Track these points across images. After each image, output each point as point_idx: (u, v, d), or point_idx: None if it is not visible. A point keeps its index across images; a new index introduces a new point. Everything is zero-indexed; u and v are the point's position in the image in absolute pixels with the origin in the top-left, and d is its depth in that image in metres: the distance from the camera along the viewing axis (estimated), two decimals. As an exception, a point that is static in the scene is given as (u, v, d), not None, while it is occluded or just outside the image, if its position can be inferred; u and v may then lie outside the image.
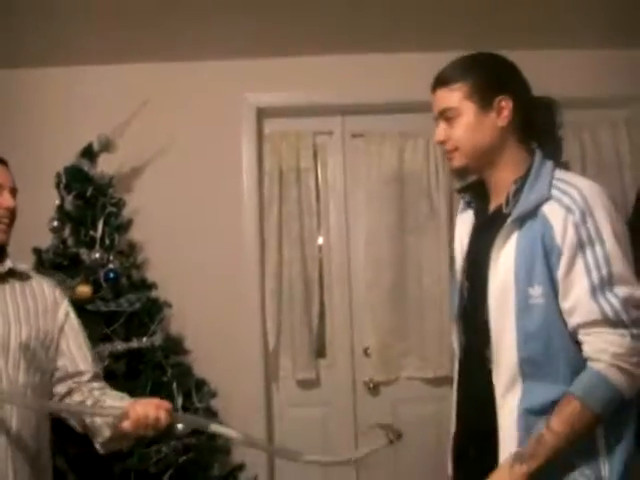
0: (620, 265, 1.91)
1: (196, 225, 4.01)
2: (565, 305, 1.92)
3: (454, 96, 2.12)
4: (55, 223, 3.59)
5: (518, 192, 2.05)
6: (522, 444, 1.92)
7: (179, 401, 3.42)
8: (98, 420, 2.32)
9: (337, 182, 4.22)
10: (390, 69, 4.04)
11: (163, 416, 2.20)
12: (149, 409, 2.21)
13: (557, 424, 1.86)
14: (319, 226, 4.23)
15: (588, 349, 1.89)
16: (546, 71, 3.47)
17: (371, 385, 4.09)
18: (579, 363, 1.91)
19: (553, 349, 1.94)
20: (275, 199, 4.13)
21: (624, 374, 1.85)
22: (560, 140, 2.23)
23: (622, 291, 1.88)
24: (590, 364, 1.88)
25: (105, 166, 3.73)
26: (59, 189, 3.62)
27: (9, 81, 4.03)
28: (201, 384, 3.63)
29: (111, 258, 3.54)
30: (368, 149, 4.16)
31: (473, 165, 2.14)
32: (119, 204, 3.70)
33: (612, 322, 1.87)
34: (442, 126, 2.15)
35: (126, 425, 2.21)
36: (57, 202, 3.61)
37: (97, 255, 3.49)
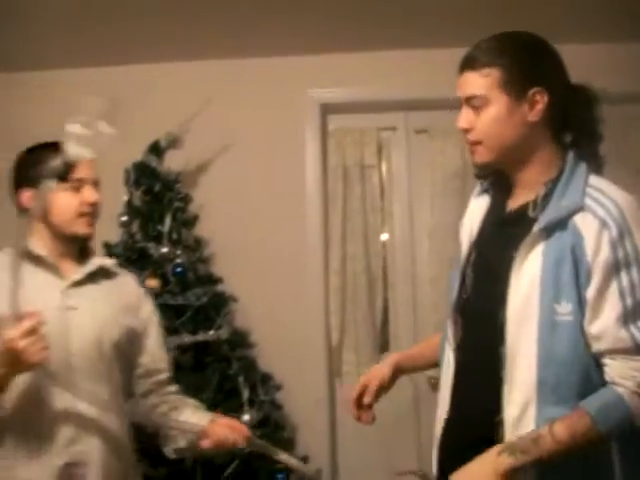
0: None
1: (261, 221, 4.04)
2: (592, 329, 1.76)
3: (484, 83, 1.89)
4: (124, 218, 3.67)
5: (548, 196, 1.86)
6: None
7: (245, 394, 3.47)
8: (176, 430, 2.40)
9: (401, 178, 4.21)
10: (454, 64, 4.02)
11: (240, 441, 2.32)
12: (227, 432, 2.33)
13: (561, 431, 1.71)
14: (383, 222, 4.23)
15: (613, 373, 1.76)
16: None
17: (433, 380, 4.08)
18: (598, 388, 1.78)
19: (576, 372, 1.79)
20: (339, 195, 4.15)
21: None
22: (598, 137, 1.96)
23: None
24: (611, 386, 1.76)
25: (172, 162, 3.79)
26: (128, 185, 3.69)
27: (79, 80, 4.11)
28: (266, 378, 3.66)
29: (178, 252, 3.60)
30: (432, 145, 4.15)
31: (498, 162, 1.94)
32: (186, 199, 3.76)
33: None
34: (467, 112, 1.93)
35: (204, 444, 2.31)
36: (126, 198, 3.68)
37: (165, 249, 3.55)
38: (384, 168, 4.26)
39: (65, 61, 4.04)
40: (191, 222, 3.77)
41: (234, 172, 4.05)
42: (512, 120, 1.87)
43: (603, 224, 1.75)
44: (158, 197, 3.66)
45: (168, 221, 3.64)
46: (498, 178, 2.05)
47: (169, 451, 2.46)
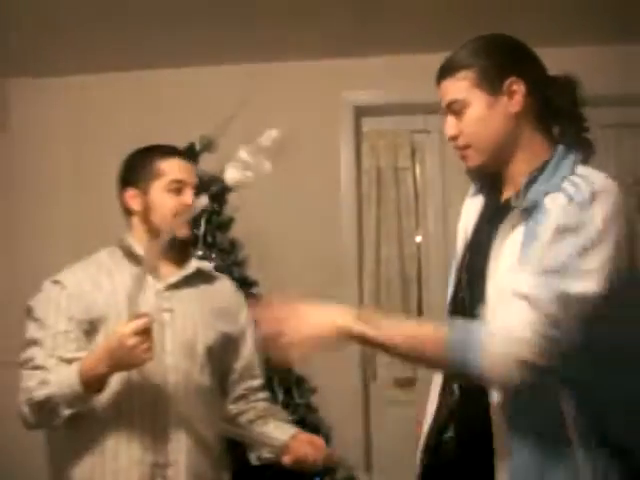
0: (593, 263, 1.65)
1: (295, 223, 4.05)
2: (516, 269, 1.72)
3: (460, 86, 1.89)
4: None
5: (530, 185, 1.80)
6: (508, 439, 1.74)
7: (280, 397, 3.47)
8: (261, 439, 2.45)
9: (435, 180, 4.22)
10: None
11: (320, 459, 2.36)
12: (308, 450, 2.36)
13: (411, 333, 1.74)
14: (417, 225, 4.24)
15: (510, 317, 1.66)
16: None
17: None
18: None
19: None
20: (373, 198, 4.16)
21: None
22: (585, 125, 1.92)
23: (575, 286, 1.64)
24: (494, 324, 1.68)
25: (206, 165, 3.81)
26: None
27: (116, 85, 4.16)
28: (301, 381, 3.67)
29: (213, 256, 3.61)
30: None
31: (490, 162, 1.89)
32: (221, 202, 3.77)
33: (542, 311, 1.63)
34: (451, 119, 1.91)
35: (285, 460, 2.35)
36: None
37: (200, 252, 3.56)
38: (418, 170, 4.27)
39: (103, 65, 4.09)
40: (226, 225, 3.77)
41: (268, 175, 4.05)
42: (494, 115, 1.86)
43: (569, 199, 1.70)
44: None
45: (203, 224, 3.64)
46: (490, 177, 2.01)
47: (253, 458, 2.51)
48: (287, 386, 3.54)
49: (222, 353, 2.44)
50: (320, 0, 3.43)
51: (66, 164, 4.29)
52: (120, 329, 2.08)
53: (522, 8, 3.53)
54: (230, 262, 3.71)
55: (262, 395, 2.58)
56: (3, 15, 3.45)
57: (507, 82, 1.85)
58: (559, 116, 1.92)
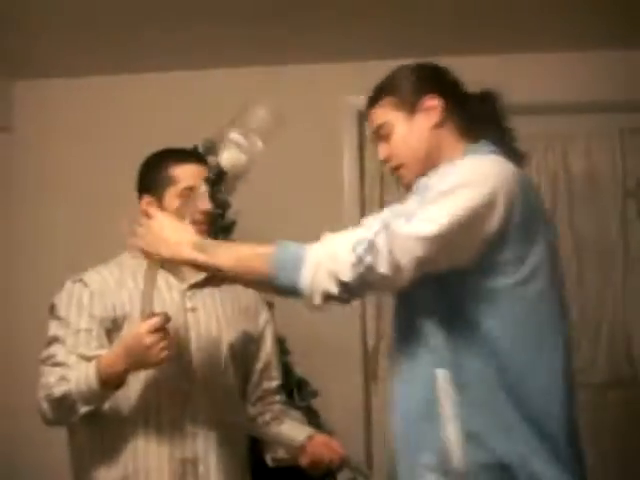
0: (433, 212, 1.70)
1: (298, 227, 4.03)
2: None
3: (383, 111, 2.06)
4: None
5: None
6: None
7: (281, 400, 3.49)
8: (276, 440, 2.50)
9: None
10: (495, 70, 4.01)
11: (335, 461, 2.39)
12: (324, 451, 2.39)
13: (242, 255, 1.86)
14: (419, 227, 4.23)
15: (339, 238, 1.84)
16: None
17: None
18: None
19: None
20: (376, 202, 4.16)
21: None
22: (508, 130, 2.08)
23: (408, 227, 1.69)
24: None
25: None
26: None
27: (119, 87, 4.17)
28: (303, 384, 3.67)
29: (216, 259, 3.61)
30: (469, 151, 4.14)
31: (421, 174, 1.93)
32: (224, 205, 3.78)
33: (367, 236, 1.73)
34: (380, 144, 2.07)
35: (302, 460, 2.40)
36: (164, 203, 3.71)
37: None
38: (420, 173, 4.26)
39: (101, 68, 4.11)
40: (228, 228, 3.79)
41: (270, 178, 4.05)
42: (415, 132, 2.00)
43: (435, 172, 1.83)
44: (196, 203, 3.68)
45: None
46: None
47: (268, 459, 2.55)
48: (288, 389, 3.54)
49: (244, 352, 2.49)
50: (323, 3, 3.43)
51: (69, 166, 4.30)
52: (136, 328, 2.11)
53: (528, 12, 3.53)
54: (232, 265, 3.72)
55: (279, 397, 2.61)
56: (7, 16, 3.46)
57: (422, 100, 2.00)
58: (482, 128, 2.03)
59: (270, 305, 3.73)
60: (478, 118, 2.05)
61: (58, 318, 2.33)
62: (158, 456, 2.25)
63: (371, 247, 1.69)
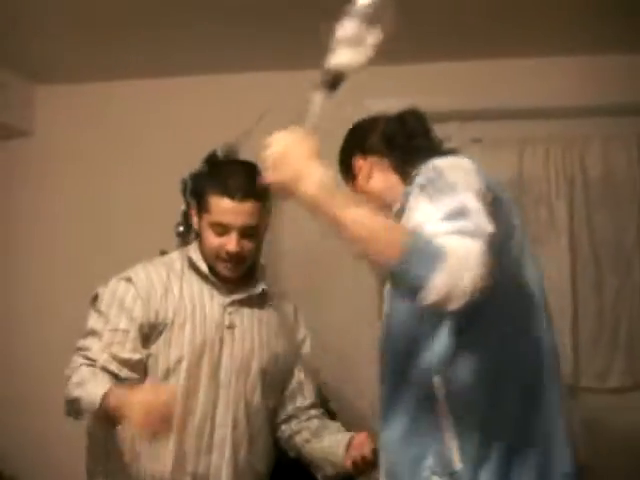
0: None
1: (312, 226, 4.04)
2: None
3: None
4: (181, 228, 3.71)
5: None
6: None
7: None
8: (320, 457, 2.45)
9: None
10: (508, 75, 4.02)
11: (369, 456, 2.32)
12: (362, 450, 2.35)
13: (370, 223, 1.66)
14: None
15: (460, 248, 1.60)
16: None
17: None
18: None
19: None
20: (395, 205, 4.16)
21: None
22: (432, 137, 2.27)
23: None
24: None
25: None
26: (185, 195, 3.73)
27: (142, 92, 4.20)
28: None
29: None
30: (486, 154, 4.14)
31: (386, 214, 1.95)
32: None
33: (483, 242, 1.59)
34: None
35: (345, 466, 2.37)
36: (183, 207, 3.73)
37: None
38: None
39: (127, 72, 4.14)
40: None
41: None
42: (361, 193, 2.18)
43: (419, 187, 1.78)
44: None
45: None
46: None
47: (320, 478, 2.52)
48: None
49: (275, 375, 2.49)
50: (340, 8, 3.44)
51: (87, 171, 4.33)
52: (135, 396, 2.06)
53: (543, 16, 3.54)
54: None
55: (314, 412, 2.60)
56: (29, 20, 3.49)
57: (352, 165, 2.24)
58: (410, 158, 2.07)
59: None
60: (405, 151, 2.16)
61: (99, 312, 2.35)
62: (169, 466, 2.28)
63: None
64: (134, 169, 4.20)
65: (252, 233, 2.35)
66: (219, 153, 3.76)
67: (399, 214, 1.91)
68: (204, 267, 2.39)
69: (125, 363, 2.28)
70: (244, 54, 3.94)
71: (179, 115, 4.18)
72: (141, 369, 2.33)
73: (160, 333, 2.32)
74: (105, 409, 2.12)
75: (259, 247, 2.43)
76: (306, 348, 2.62)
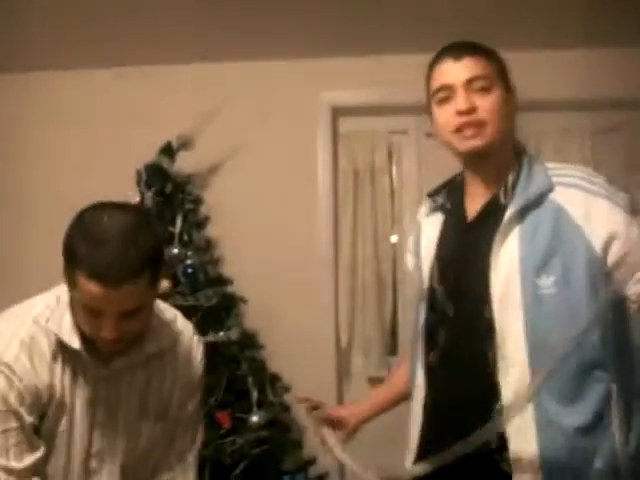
0: None
1: (271, 222, 4.05)
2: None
3: (488, 67, 1.96)
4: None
5: (515, 182, 1.93)
6: (542, 435, 1.80)
7: (254, 395, 3.48)
8: None
9: (411, 181, 4.22)
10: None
11: None
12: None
13: None
14: (393, 225, 4.25)
15: None
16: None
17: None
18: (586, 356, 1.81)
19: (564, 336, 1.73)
20: (350, 198, 4.17)
21: None
22: None
23: None
24: None
25: (183, 164, 3.81)
26: (139, 186, 3.70)
27: (93, 81, 4.15)
28: (275, 379, 3.68)
29: (189, 254, 3.61)
30: (443, 148, 4.14)
31: (494, 146, 1.93)
32: (197, 201, 3.78)
33: None
34: (469, 94, 1.92)
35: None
36: (137, 198, 3.70)
37: (176, 250, 3.56)
38: (395, 171, 4.28)
39: (76, 62, 4.08)
40: (202, 223, 3.79)
41: (245, 174, 4.07)
42: (507, 110, 1.95)
43: (584, 191, 1.87)
44: (169, 198, 3.68)
45: (179, 222, 3.65)
46: (450, 192, 2.13)
47: None
48: (261, 384, 3.56)
49: (156, 444, 2.08)
50: (298, 0, 3.43)
51: (38, 165, 4.26)
52: None
53: (492, 12, 3.56)
54: (206, 260, 3.73)
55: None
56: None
57: (513, 88, 2.00)
58: None
59: (243, 300, 3.76)
60: None
61: None
62: None
63: None
64: (87, 162, 4.13)
65: (134, 314, 1.79)
66: (174, 143, 3.75)
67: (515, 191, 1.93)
68: (77, 344, 1.87)
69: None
70: (199, 45, 3.91)
71: (133, 105, 4.13)
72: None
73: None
74: None
75: (148, 318, 1.90)
76: (193, 411, 2.16)
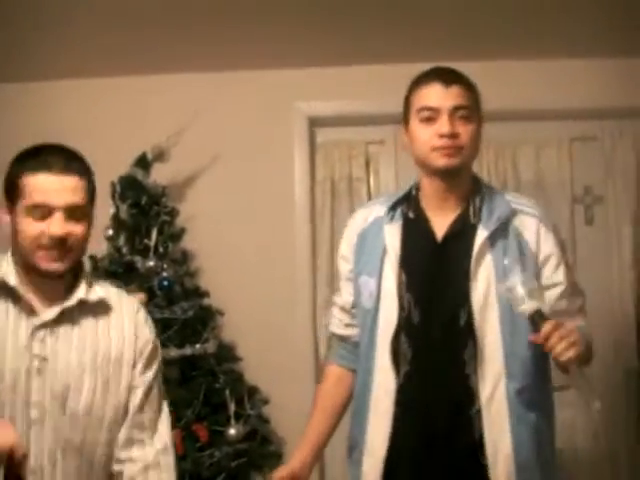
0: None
1: (248, 234, 4.03)
2: (552, 295, 2.18)
3: (471, 98, 2.21)
4: (110, 232, 3.65)
5: (481, 204, 2.22)
6: (515, 431, 2.09)
7: (231, 408, 3.46)
8: None
9: (389, 191, 4.20)
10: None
11: None
12: None
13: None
14: (371, 235, 4.23)
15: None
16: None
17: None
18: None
19: (533, 346, 2.03)
20: (327, 208, 4.15)
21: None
22: None
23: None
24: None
25: (158, 176, 3.78)
26: (114, 198, 3.68)
27: (64, 92, 4.11)
28: (253, 391, 3.66)
29: (165, 266, 3.59)
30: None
31: (464, 169, 2.23)
32: (172, 213, 3.76)
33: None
34: (453, 120, 2.14)
35: None
36: (112, 211, 3.67)
37: (151, 263, 3.54)
38: (372, 181, 4.26)
39: (50, 72, 4.03)
40: (178, 235, 3.77)
41: (221, 185, 4.04)
42: (479, 138, 2.23)
43: (539, 220, 2.21)
44: (144, 210, 3.66)
45: (154, 234, 3.63)
46: (410, 203, 2.31)
47: None
48: (239, 396, 3.54)
49: (105, 402, 2.03)
50: (273, 10, 3.42)
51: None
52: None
53: (471, 20, 3.56)
54: (182, 272, 3.71)
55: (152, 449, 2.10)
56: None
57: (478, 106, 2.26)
58: None
59: (220, 313, 3.74)
60: None
61: None
62: None
63: None
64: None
65: (79, 216, 1.94)
66: (149, 155, 3.73)
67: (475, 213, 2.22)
68: (14, 282, 1.95)
69: None
70: (172, 56, 3.88)
71: (107, 116, 4.09)
72: None
73: None
74: None
75: (86, 241, 2.00)
76: (142, 361, 2.11)
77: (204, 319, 3.62)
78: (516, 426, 2.09)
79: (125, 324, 2.09)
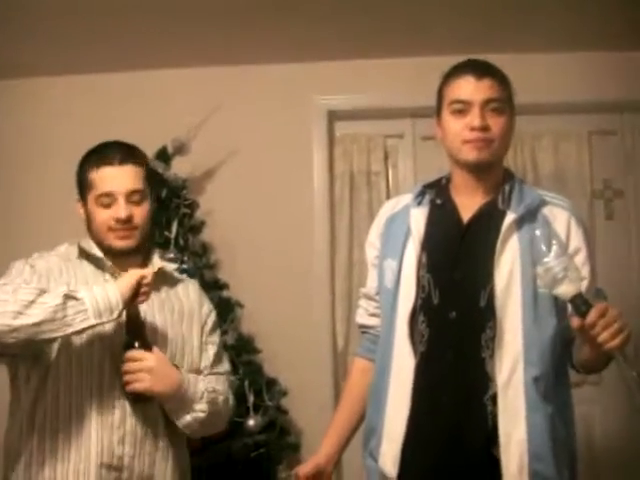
0: None
1: (267, 227, 4.05)
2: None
3: (503, 92, 2.21)
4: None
5: (510, 193, 2.21)
6: (531, 413, 2.06)
7: (250, 399, 3.48)
8: None
9: (407, 185, 4.20)
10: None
11: None
12: None
13: None
14: (389, 228, 4.24)
15: None
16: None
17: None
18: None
19: (554, 334, 2.10)
20: (346, 202, 4.16)
21: None
22: None
23: None
24: None
25: (179, 169, 3.81)
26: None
27: (87, 87, 4.13)
28: (272, 383, 3.67)
29: (185, 258, 3.61)
30: (439, 152, 4.14)
31: (495, 162, 2.23)
32: (192, 206, 3.78)
33: None
34: (484, 113, 2.15)
35: None
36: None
37: (172, 255, 3.56)
38: (390, 175, 4.27)
39: (71, 67, 4.07)
40: (198, 228, 3.79)
41: (241, 178, 4.06)
42: (510, 132, 2.22)
43: (570, 213, 2.20)
44: (165, 203, 3.68)
45: (175, 227, 3.66)
46: (439, 191, 2.33)
47: None
48: (258, 388, 3.55)
49: (182, 359, 2.34)
50: (293, 4, 3.43)
51: (28, 170, 4.23)
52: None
53: (489, 14, 3.55)
54: (202, 265, 3.73)
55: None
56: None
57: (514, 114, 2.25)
58: None
59: (240, 305, 3.76)
60: None
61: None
62: (85, 461, 2.15)
63: None
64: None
65: (139, 199, 2.29)
66: (169, 148, 3.75)
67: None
68: (97, 251, 2.30)
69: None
70: (194, 49, 3.91)
71: (128, 110, 4.10)
72: None
73: None
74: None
75: (149, 220, 2.34)
76: (216, 336, 2.48)
77: (223, 311, 3.61)
78: (531, 413, 2.05)
79: (191, 293, 2.45)
